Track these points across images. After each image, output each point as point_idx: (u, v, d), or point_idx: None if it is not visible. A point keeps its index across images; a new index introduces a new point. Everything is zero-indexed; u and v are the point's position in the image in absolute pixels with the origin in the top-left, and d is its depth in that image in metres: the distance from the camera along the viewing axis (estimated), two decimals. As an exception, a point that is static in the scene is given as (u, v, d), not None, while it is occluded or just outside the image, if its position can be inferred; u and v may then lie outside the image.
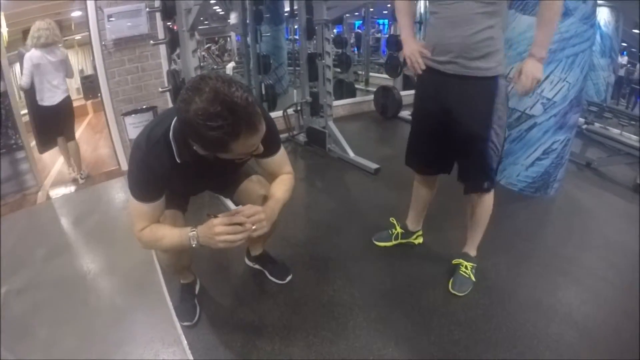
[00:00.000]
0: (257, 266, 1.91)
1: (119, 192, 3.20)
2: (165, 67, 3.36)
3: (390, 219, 2.10)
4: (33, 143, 3.67)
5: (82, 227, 2.65)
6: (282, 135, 3.83)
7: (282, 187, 1.33)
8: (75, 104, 6.71)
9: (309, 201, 2.76)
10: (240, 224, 1.07)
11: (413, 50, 1.46)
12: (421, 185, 1.87)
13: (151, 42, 2.99)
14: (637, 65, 7.98)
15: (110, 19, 3.13)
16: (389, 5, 7.37)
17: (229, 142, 0.91)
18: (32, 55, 3.08)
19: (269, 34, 5.98)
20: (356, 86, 6.07)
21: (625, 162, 3.37)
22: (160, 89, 3.06)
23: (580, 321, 1.61)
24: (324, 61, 3.29)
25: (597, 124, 4.19)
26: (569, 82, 2.40)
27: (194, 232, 1.10)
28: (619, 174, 3.35)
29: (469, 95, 1.43)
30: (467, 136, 1.49)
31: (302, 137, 3.82)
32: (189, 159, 1.09)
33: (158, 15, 3.10)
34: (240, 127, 0.89)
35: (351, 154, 3.27)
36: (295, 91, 4.32)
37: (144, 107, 3.26)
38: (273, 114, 4.12)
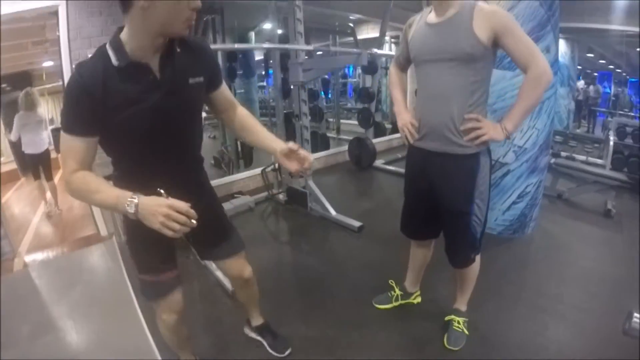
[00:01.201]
0: (256, 337, 1.87)
1: (99, 259, 3.10)
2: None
3: (389, 281, 2.14)
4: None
5: (65, 299, 2.52)
6: (262, 195, 3.85)
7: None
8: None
9: (297, 266, 2.74)
10: (187, 218, 0.96)
11: (405, 123, 1.57)
12: (417, 249, 1.94)
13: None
14: (591, 87, 8.54)
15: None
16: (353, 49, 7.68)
17: None
18: (21, 115, 4.16)
19: (242, 91, 6.07)
20: (328, 134, 6.13)
21: (594, 190, 3.56)
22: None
23: (570, 355, 1.71)
24: (301, 122, 3.32)
25: (563, 153, 4.43)
26: (537, 128, 2.58)
27: (134, 200, 0.96)
28: (590, 202, 3.55)
29: (451, 172, 1.50)
30: (450, 212, 1.57)
31: (281, 196, 3.78)
32: (127, 62, 0.98)
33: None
34: None
35: (333, 213, 3.26)
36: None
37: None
38: (250, 172, 4.17)
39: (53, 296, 2.64)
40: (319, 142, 5.36)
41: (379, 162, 4.86)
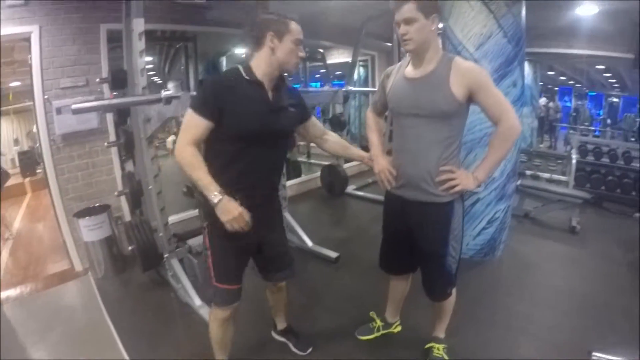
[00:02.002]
0: (282, 338, 2.12)
1: (76, 297, 2.98)
2: (116, 162, 3.31)
3: (370, 313, 2.20)
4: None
5: (44, 342, 2.39)
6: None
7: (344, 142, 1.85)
8: (13, 180, 6.33)
9: None
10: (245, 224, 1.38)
11: (382, 168, 1.62)
12: (396, 282, 2.02)
13: (105, 144, 2.96)
14: (551, 103, 9.02)
15: (59, 112, 3.07)
16: (322, 71, 7.88)
17: (289, 22, 1.41)
18: None
19: None
20: (299, 159, 6.14)
21: (559, 207, 3.77)
22: (116, 193, 3.01)
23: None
24: None
25: (528, 172, 4.66)
26: (505, 158, 2.71)
27: (219, 196, 1.33)
28: (556, 219, 3.76)
29: (428, 219, 1.60)
30: (427, 254, 1.67)
31: None
32: (254, 79, 1.42)
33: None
34: (293, 18, 1.44)
35: (310, 243, 3.28)
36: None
37: (97, 205, 3.15)
38: None
39: (31, 338, 2.48)
40: (291, 170, 5.30)
41: (350, 188, 4.92)
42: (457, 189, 1.51)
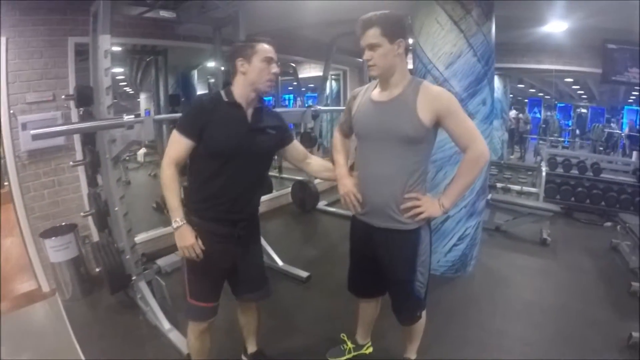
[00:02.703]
0: None
1: (44, 319, 2.86)
2: (83, 179, 3.21)
3: (341, 335, 2.19)
4: None
5: None
6: None
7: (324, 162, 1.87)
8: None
9: None
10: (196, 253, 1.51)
11: (348, 192, 1.58)
12: (366, 305, 2.00)
13: (70, 163, 2.86)
14: (521, 115, 9.28)
15: (25, 128, 2.97)
16: (294, 83, 7.93)
17: (255, 44, 1.49)
18: None
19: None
20: (270, 173, 5.97)
21: (530, 221, 3.86)
22: (82, 214, 2.90)
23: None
24: None
25: (499, 184, 4.76)
26: (472, 184, 2.76)
27: (179, 223, 1.49)
28: (526, 231, 3.86)
29: (394, 246, 1.57)
30: (394, 281, 1.67)
31: None
32: (232, 100, 1.51)
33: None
34: (262, 39, 1.52)
35: (280, 263, 3.24)
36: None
37: (63, 224, 3.04)
38: None
39: None
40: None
41: (321, 204, 4.90)
42: (422, 216, 1.50)
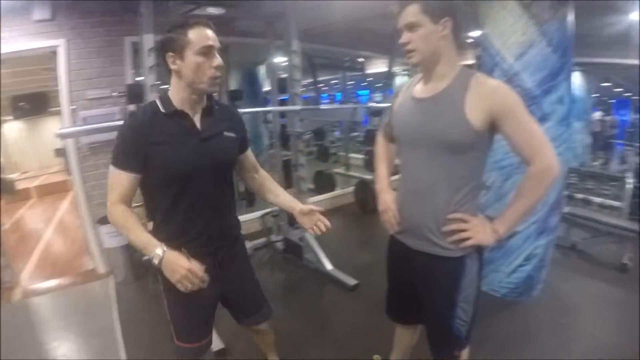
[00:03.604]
0: None
1: (93, 299, 3.05)
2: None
3: (374, 357, 2.02)
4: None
5: (54, 341, 2.50)
6: (260, 241, 3.73)
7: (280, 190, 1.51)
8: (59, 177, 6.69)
9: (282, 326, 2.44)
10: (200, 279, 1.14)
11: (386, 208, 1.38)
12: (402, 330, 1.77)
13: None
14: (607, 117, 8.26)
15: (85, 122, 3.13)
16: (369, 79, 7.69)
17: (187, 30, 1.13)
18: None
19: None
20: (336, 170, 5.88)
21: (610, 241, 3.34)
22: (134, 205, 3.02)
23: None
24: (298, 173, 3.20)
25: (577, 196, 4.20)
26: (536, 207, 2.38)
27: (159, 254, 1.12)
28: (605, 253, 3.32)
29: (432, 275, 1.32)
30: (430, 314, 1.41)
31: (280, 244, 3.65)
32: (172, 109, 1.20)
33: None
34: (196, 22, 1.15)
35: (328, 267, 3.11)
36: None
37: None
38: (249, 216, 4.05)
39: (44, 335, 2.63)
40: (324, 183, 5.09)
41: None
42: (468, 242, 1.21)
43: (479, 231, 1.21)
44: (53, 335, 2.58)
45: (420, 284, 1.38)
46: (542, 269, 2.60)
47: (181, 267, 1.10)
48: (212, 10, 2.68)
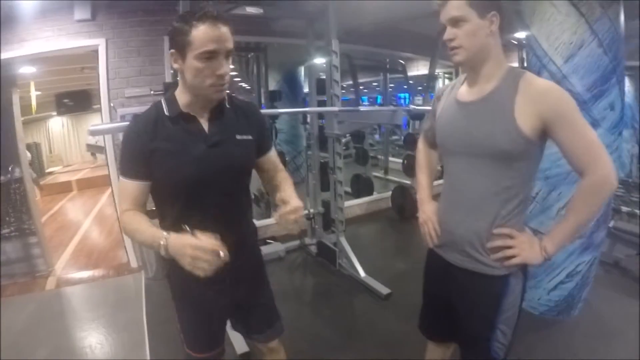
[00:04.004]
0: None
1: (124, 293, 3.13)
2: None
3: None
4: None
5: (83, 332, 2.60)
6: (293, 243, 3.70)
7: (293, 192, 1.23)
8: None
9: (311, 333, 2.48)
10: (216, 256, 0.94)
11: (427, 219, 1.30)
12: (433, 348, 1.65)
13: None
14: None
15: (124, 120, 3.22)
16: (411, 82, 7.55)
17: (190, 28, 0.97)
18: None
19: (283, 131, 5.92)
20: (375, 174, 5.76)
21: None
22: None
23: None
24: (335, 176, 3.14)
25: (624, 209, 3.94)
26: (590, 223, 2.20)
27: (162, 242, 0.97)
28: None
29: (472, 293, 1.21)
30: (467, 335, 1.32)
31: (313, 248, 3.62)
32: (177, 112, 1.10)
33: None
34: (202, 17, 0.97)
35: (362, 274, 3.03)
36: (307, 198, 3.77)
37: (153, 209, 3.27)
38: None
39: (73, 324, 2.73)
40: (362, 187, 4.97)
41: None
42: (514, 261, 1.11)
43: (526, 249, 1.10)
44: (82, 326, 2.67)
45: (458, 302, 1.28)
46: (585, 287, 2.43)
47: (187, 246, 0.93)
48: (251, 10, 2.69)
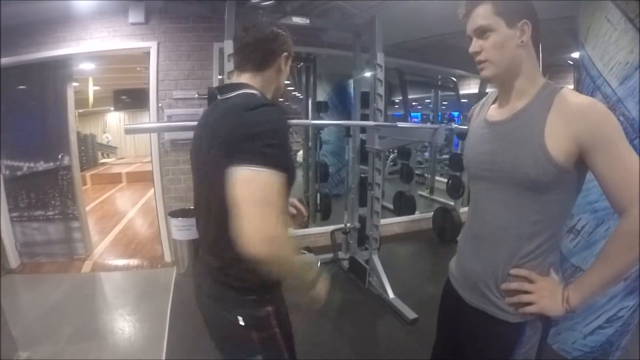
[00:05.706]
0: None
1: (155, 285, 3.25)
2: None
3: None
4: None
5: (110, 316, 2.72)
6: (327, 256, 3.64)
7: None
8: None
9: (331, 352, 2.43)
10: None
11: None
12: None
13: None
14: None
15: (170, 120, 3.38)
16: (464, 100, 7.36)
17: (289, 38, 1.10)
18: None
19: (329, 142, 5.88)
20: (420, 193, 5.60)
21: None
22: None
23: None
24: (372, 192, 3.08)
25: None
26: (625, 275, 2.02)
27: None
28: None
29: (482, 337, 1.06)
30: None
31: (346, 263, 3.58)
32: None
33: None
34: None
35: (391, 295, 2.93)
36: (345, 212, 3.74)
37: (191, 207, 3.39)
38: (322, 229, 4.08)
39: (102, 308, 2.88)
40: (404, 205, 4.80)
41: None
42: (529, 309, 0.95)
43: (546, 296, 0.94)
44: (108, 310, 2.81)
45: (467, 344, 1.13)
46: (625, 334, 2.20)
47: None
48: (297, 20, 2.73)
